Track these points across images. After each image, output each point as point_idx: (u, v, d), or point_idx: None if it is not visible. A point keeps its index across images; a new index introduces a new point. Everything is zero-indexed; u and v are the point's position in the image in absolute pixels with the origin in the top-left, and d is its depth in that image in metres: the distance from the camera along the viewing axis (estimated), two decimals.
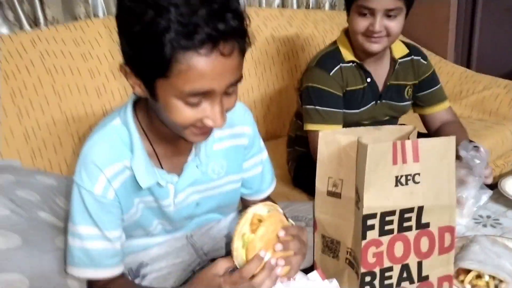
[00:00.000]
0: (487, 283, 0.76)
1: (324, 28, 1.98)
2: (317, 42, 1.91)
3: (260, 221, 0.67)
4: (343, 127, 1.22)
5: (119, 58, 1.57)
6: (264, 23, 1.86)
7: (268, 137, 1.78)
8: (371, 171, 0.67)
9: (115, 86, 1.48)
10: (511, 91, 1.78)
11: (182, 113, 0.63)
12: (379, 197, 0.69)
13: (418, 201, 0.71)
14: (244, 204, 0.96)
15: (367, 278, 0.70)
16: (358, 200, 0.71)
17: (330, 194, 0.78)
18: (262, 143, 0.92)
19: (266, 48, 1.82)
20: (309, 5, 2.14)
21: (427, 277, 0.74)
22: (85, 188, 0.71)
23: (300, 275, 0.70)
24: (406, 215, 0.71)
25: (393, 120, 1.38)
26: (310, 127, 1.21)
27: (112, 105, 1.45)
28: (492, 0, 2.96)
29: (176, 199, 0.80)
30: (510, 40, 2.92)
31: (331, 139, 0.76)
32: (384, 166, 0.69)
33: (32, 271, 0.77)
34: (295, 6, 2.10)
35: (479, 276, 0.77)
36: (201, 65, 0.58)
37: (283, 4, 2.08)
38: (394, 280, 0.72)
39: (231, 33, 0.58)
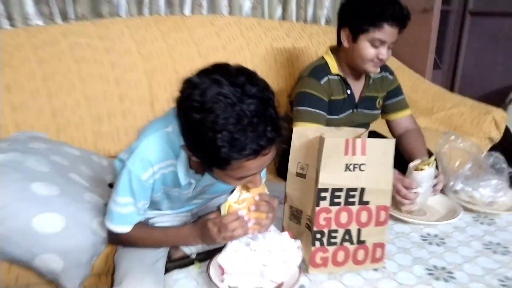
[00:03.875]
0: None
1: (318, 41, 2.22)
2: (311, 54, 2.15)
3: (248, 189, 0.94)
4: None
5: (138, 53, 1.85)
6: (265, 33, 2.10)
7: None
8: (326, 157, 0.91)
9: (132, 77, 1.71)
10: (475, 111, 2.03)
11: (231, 182, 0.87)
12: (331, 177, 0.93)
13: (361, 183, 0.95)
14: None
15: (318, 236, 0.94)
16: (317, 179, 0.95)
17: (298, 175, 1.02)
18: None
19: (265, 55, 2.06)
20: (306, 19, 2.39)
21: (364, 242, 0.98)
22: (135, 173, 0.91)
23: (274, 229, 0.94)
24: (351, 193, 0.95)
25: (365, 126, 1.62)
26: (299, 125, 1.41)
27: (129, 94, 1.69)
28: (478, 26, 3.22)
29: (194, 191, 1.03)
30: (492, 64, 3.18)
31: (302, 134, 1.00)
32: (337, 155, 0.93)
33: (67, 213, 1.01)
34: (294, 19, 2.34)
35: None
36: (248, 165, 0.80)
37: (283, 17, 2.32)
38: (338, 240, 0.96)
39: (270, 143, 0.79)
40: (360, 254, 0.99)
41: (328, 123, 1.48)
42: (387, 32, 1.33)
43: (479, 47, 3.25)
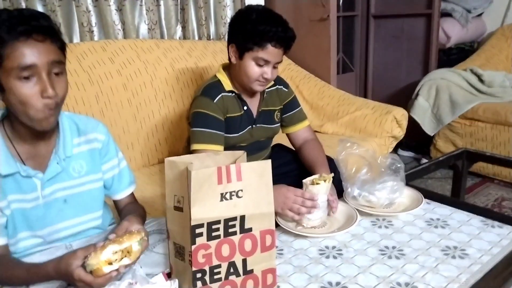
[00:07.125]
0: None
1: (222, 58, 2.19)
2: (215, 71, 2.11)
3: (128, 252, 0.86)
4: (225, 148, 1.42)
5: None
6: (164, 54, 2.04)
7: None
8: (196, 191, 0.86)
9: None
10: (377, 112, 2.10)
11: (21, 91, 0.85)
12: (205, 210, 0.87)
13: (240, 211, 0.91)
14: (116, 205, 1.17)
15: (198, 275, 0.88)
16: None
17: (176, 209, 0.95)
18: (120, 154, 1.16)
19: (165, 77, 1.99)
20: (210, 37, 2.36)
21: (251, 271, 0.93)
22: None
23: (142, 279, 0.86)
24: (231, 223, 0.90)
25: (268, 141, 1.60)
26: (196, 146, 1.38)
27: None
28: (381, 28, 3.39)
29: (43, 192, 0.97)
30: (397, 63, 3.36)
31: (173, 165, 0.94)
32: (209, 186, 0.87)
33: None
34: (196, 37, 2.30)
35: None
36: (21, 47, 0.84)
37: (184, 36, 2.27)
38: (222, 275, 0.90)
39: (41, 28, 0.85)
40: (249, 285, 0.94)
41: (228, 142, 1.44)
42: (271, 52, 1.33)
43: (385, 48, 3.42)
